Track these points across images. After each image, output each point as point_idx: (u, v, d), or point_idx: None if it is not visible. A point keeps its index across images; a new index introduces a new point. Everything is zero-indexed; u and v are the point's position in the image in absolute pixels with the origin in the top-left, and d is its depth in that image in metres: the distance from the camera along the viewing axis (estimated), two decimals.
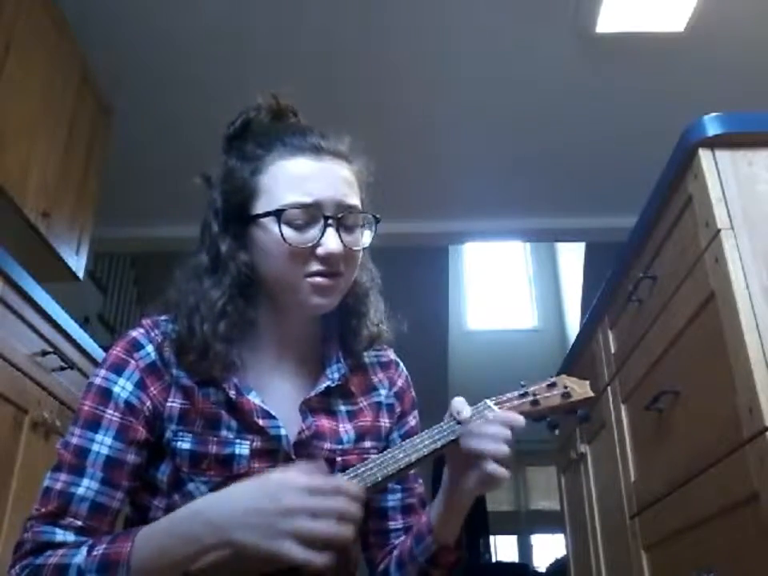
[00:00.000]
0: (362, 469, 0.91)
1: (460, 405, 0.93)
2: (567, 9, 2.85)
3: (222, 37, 2.92)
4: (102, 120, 2.89)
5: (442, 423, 0.94)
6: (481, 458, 0.89)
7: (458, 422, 0.92)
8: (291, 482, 0.80)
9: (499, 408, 0.95)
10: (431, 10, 2.85)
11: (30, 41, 2.29)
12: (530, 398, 0.97)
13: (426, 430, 0.95)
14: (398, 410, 1.10)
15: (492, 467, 0.87)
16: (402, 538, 1.06)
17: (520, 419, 0.91)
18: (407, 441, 0.94)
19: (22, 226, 2.31)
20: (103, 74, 2.84)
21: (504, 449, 0.88)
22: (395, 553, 1.04)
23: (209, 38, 2.91)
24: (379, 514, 1.08)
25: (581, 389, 0.99)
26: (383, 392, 1.09)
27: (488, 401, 0.96)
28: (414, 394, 1.15)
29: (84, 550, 0.84)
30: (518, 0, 2.83)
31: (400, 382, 1.13)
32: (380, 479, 0.89)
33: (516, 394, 0.98)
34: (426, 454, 0.91)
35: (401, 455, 0.91)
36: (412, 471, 1.05)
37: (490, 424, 0.90)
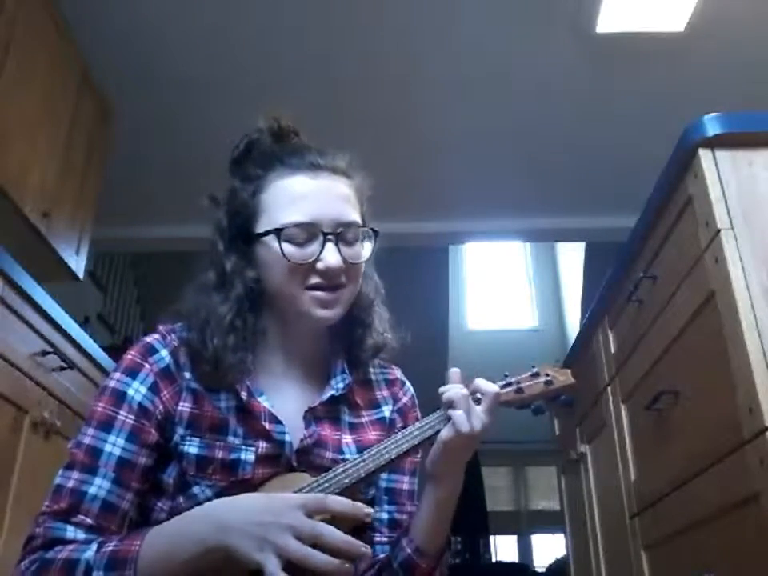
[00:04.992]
0: (357, 460, 0.93)
1: (449, 390, 0.97)
2: (567, 9, 2.85)
3: (222, 37, 2.91)
4: (102, 120, 2.89)
5: (431, 416, 0.98)
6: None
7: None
8: (295, 502, 0.83)
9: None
10: (431, 10, 2.85)
11: (30, 41, 2.29)
12: (515, 387, 1.01)
13: (418, 421, 0.98)
14: (399, 425, 1.11)
15: (450, 410, 0.94)
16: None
17: (495, 388, 0.97)
18: (396, 433, 0.97)
19: (22, 226, 2.31)
20: (103, 74, 2.84)
21: (462, 391, 0.94)
22: (377, 566, 1.04)
23: (209, 38, 2.91)
24: (365, 524, 1.06)
25: (562, 376, 1.04)
26: (386, 408, 1.11)
27: None
28: (418, 413, 1.15)
29: (94, 546, 0.86)
30: (518, 0, 2.83)
31: (405, 399, 1.14)
32: (373, 469, 0.92)
33: (500, 383, 1.02)
34: (417, 443, 0.95)
35: (393, 446, 0.94)
36: (408, 488, 1.09)
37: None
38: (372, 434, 1.06)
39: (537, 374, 1.03)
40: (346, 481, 0.91)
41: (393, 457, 0.93)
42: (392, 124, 3.31)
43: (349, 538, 0.80)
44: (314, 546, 0.79)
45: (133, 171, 3.47)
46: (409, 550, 0.97)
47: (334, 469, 0.93)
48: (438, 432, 0.95)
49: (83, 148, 2.71)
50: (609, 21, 2.84)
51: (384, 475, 1.08)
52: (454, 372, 1.00)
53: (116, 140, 3.02)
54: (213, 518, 0.84)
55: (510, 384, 1.01)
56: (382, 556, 1.04)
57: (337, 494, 0.90)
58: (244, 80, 3.04)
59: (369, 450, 0.95)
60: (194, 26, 2.86)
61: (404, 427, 1.09)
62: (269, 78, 3.03)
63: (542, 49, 3.02)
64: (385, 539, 1.06)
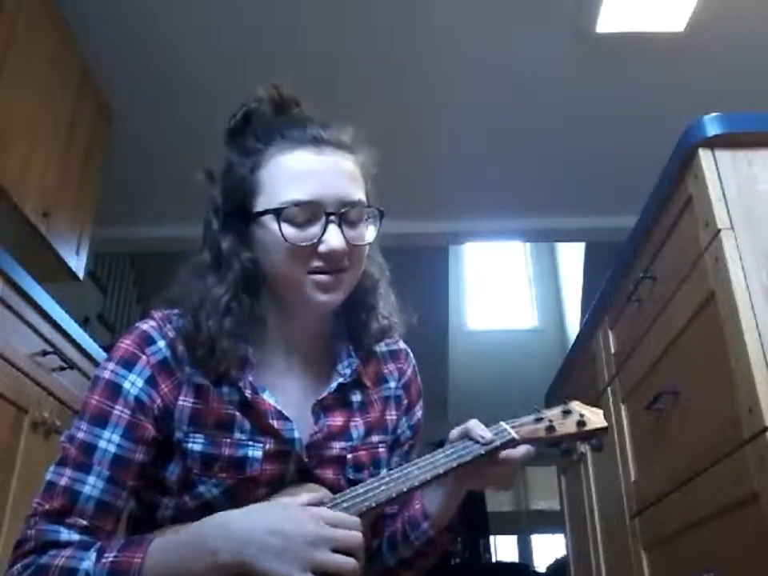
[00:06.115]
0: (376, 483, 0.90)
1: (479, 428, 0.95)
2: (567, 9, 2.85)
3: (222, 36, 2.92)
4: (102, 120, 2.89)
5: (457, 444, 0.95)
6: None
7: (479, 444, 0.93)
8: (315, 510, 0.81)
9: (516, 431, 0.96)
10: (431, 10, 2.85)
11: (30, 41, 2.29)
12: (546, 424, 0.97)
13: (441, 449, 0.94)
14: (405, 401, 1.09)
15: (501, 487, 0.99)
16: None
17: (532, 452, 0.96)
18: (422, 458, 0.94)
19: (22, 226, 2.31)
20: (103, 73, 2.84)
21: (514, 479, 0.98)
22: (387, 533, 1.05)
23: (209, 37, 2.91)
24: None
25: (595, 417, 1.00)
26: (392, 384, 1.08)
27: (504, 423, 0.97)
28: (420, 382, 1.14)
29: (93, 555, 0.82)
30: (517, 0, 2.83)
31: (409, 372, 1.11)
32: (393, 496, 0.89)
33: (531, 418, 0.99)
34: (441, 473, 0.92)
35: (417, 472, 0.91)
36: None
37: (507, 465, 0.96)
38: (377, 412, 1.03)
39: (568, 412, 0.99)
40: (366, 504, 0.87)
41: (415, 485, 0.90)
42: (391, 124, 3.30)
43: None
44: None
45: (133, 171, 3.47)
46: (432, 533, 1.00)
47: (352, 489, 0.90)
48: (461, 465, 0.92)
49: (83, 148, 2.70)
50: (609, 21, 2.84)
51: (396, 458, 1.06)
52: (476, 426, 0.95)
53: (116, 140, 3.02)
54: (225, 530, 0.80)
55: (541, 420, 0.98)
56: (389, 529, 1.05)
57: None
58: (244, 79, 3.03)
59: (389, 473, 0.92)
60: (194, 26, 2.86)
61: (410, 403, 1.09)
62: (269, 77, 3.02)
63: (542, 49, 3.02)
64: (395, 510, 1.07)
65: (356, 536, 0.81)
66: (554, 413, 0.99)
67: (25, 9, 2.26)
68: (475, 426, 0.95)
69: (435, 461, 0.92)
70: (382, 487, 0.89)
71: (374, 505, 0.88)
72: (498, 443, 0.94)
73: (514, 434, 0.95)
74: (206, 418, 0.92)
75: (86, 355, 2.06)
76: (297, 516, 0.81)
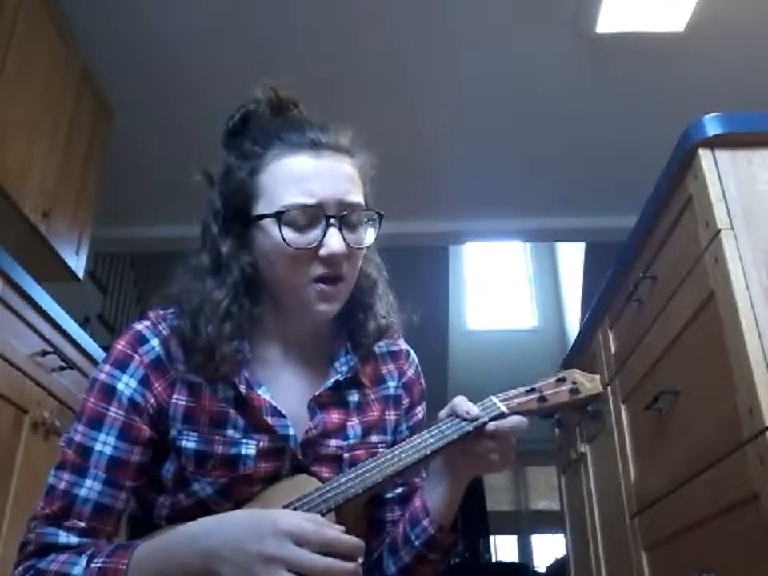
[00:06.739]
0: (362, 469, 0.90)
1: (466, 404, 0.93)
2: (567, 9, 2.85)
3: (221, 36, 2.92)
4: (102, 120, 2.89)
5: (443, 422, 0.93)
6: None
7: (466, 420, 0.91)
8: (281, 526, 0.77)
9: (505, 405, 0.94)
10: (431, 10, 2.85)
11: (30, 41, 2.29)
12: (537, 395, 0.95)
13: (427, 429, 0.94)
14: (406, 401, 1.08)
15: (498, 467, 0.94)
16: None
17: (524, 422, 0.92)
18: (409, 440, 0.93)
19: (22, 226, 2.31)
20: (103, 73, 2.84)
21: (511, 456, 0.93)
22: (388, 539, 1.03)
23: (209, 37, 2.91)
24: (377, 504, 1.06)
25: (590, 383, 0.97)
26: (392, 384, 1.07)
27: (494, 397, 0.96)
28: (423, 383, 1.12)
29: (84, 560, 0.83)
30: (518, 0, 2.83)
31: (410, 373, 1.10)
32: (380, 480, 0.88)
33: (523, 390, 0.97)
34: (428, 453, 0.90)
35: (404, 454, 0.90)
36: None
37: (499, 439, 0.92)
38: (376, 412, 1.02)
39: (563, 380, 0.97)
40: (352, 491, 0.87)
41: (401, 468, 0.89)
42: (391, 124, 3.30)
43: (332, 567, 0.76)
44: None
45: (133, 171, 3.47)
46: (432, 531, 0.96)
47: (338, 477, 0.90)
48: (446, 446, 0.90)
49: (83, 148, 2.71)
50: (609, 21, 2.85)
51: None
52: (462, 401, 0.93)
53: (116, 140, 3.03)
54: (197, 544, 0.80)
55: (533, 390, 0.96)
56: (390, 535, 1.03)
57: (341, 504, 0.87)
58: (245, 80, 3.03)
59: (377, 457, 0.91)
60: (194, 26, 2.86)
61: (411, 404, 1.08)
62: (268, 76, 3.03)
63: (542, 49, 3.02)
64: (397, 515, 1.05)
65: (315, 560, 0.76)
66: (547, 383, 0.97)
67: (25, 9, 2.26)
68: (461, 403, 0.93)
69: (422, 441, 0.91)
70: (367, 474, 0.88)
71: (360, 491, 0.87)
72: (485, 418, 0.91)
73: (502, 408, 0.93)
74: (200, 416, 0.93)
75: (85, 355, 2.06)
76: (261, 531, 0.77)
